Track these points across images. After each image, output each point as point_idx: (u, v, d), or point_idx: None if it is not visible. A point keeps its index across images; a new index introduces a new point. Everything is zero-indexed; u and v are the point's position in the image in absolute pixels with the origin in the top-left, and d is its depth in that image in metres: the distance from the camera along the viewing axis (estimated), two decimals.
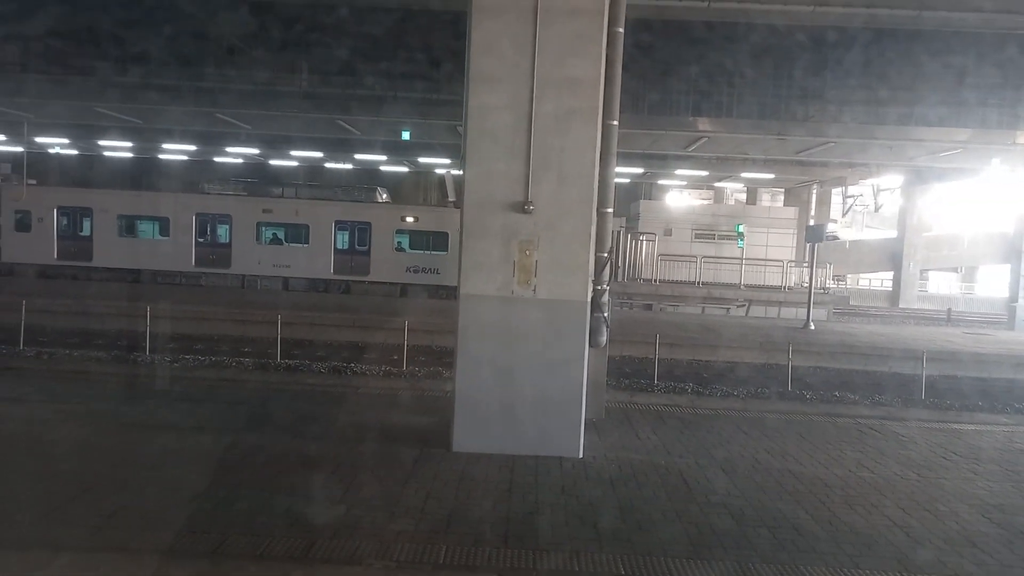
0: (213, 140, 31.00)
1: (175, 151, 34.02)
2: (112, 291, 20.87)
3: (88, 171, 37.08)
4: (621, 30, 7.72)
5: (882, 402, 11.85)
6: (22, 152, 28.26)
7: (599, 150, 7.42)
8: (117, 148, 34.61)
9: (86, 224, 26.10)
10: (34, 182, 27.47)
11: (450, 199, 27.96)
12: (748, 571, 4.98)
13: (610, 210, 8.03)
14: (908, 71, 21.45)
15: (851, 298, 32.94)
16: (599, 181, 7.55)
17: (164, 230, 26.32)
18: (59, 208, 26.04)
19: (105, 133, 30.32)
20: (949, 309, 31.29)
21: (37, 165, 31.78)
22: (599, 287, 7.99)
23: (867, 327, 24.08)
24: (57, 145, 33.28)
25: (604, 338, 8.18)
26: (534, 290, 7.24)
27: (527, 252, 7.20)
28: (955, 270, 47.37)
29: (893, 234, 40.24)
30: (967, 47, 18.69)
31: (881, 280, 44.43)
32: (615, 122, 7.80)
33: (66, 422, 7.82)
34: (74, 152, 35.62)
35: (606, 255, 8.05)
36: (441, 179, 38.61)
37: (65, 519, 5.26)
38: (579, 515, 5.83)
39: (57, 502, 5.53)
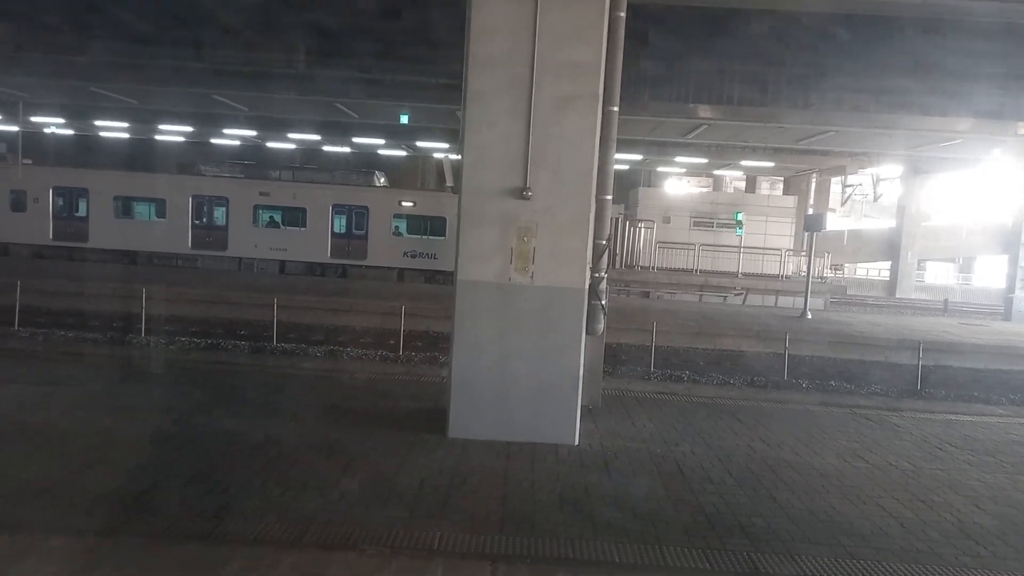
0: (210, 122, 30.76)
1: (172, 132, 33.80)
2: (107, 272, 20.80)
3: (84, 152, 36.84)
4: (623, 15, 7.63)
5: (878, 392, 11.87)
6: (17, 132, 28.05)
7: (599, 136, 7.35)
8: (113, 129, 34.37)
9: (82, 205, 26.00)
10: (29, 162, 27.29)
11: (448, 184, 27.86)
12: (743, 560, 4.98)
13: (609, 197, 7.97)
14: (910, 60, 21.29)
15: (848, 287, 32.97)
16: (598, 168, 7.49)
17: (160, 212, 26.23)
18: (55, 188, 25.93)
19: (101, 113, 30.09)
20: (946, 299, 31.35)
21: (33, 145, 31.56)
22: (597, 275, 7.95)
23: (864, 317, 24.11)
24: (53, 125, 33.04)
25: (601, 326, 8.16)
26: (531, 277, 7.20)
27: (525, 239, 7.16)
28: (953, 260, 47.39)
29: (892, 224, 40.25)
30: (970, 36, 18.55)
31: (879, 270, 44.47)
32: (615, 108, 7.72)
33: (56, 405, 7.78)
34: (70, 132, 35.37)
35: (604, 242, 8.00)
36: (439, 164, 38.48)
37: (58, 502, 5.24)
38: (574, 502, 5.82)
39: (49, 484, 5.51)
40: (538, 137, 7.02)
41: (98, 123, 32.40)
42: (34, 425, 7.06)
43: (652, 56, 20.23)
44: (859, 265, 44.53)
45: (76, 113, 30.51)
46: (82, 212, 25.99)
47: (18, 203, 25.83)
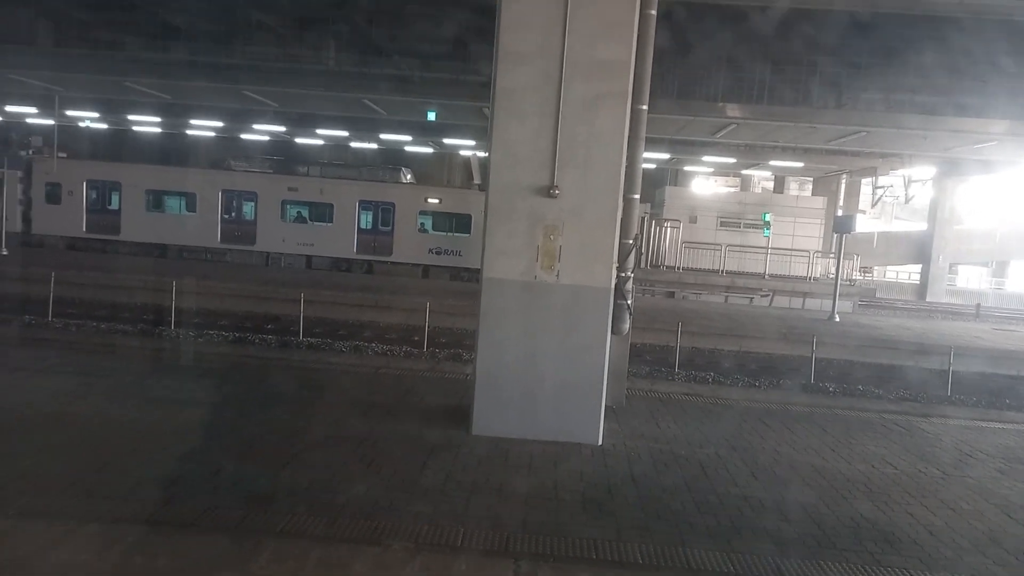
0: (240, 117, 31.16)
1: (203, 127, 34.26)
2: (138, 265, 21.13)
3: (117, 145, 37.46)
4: (654, 12, 7.57)
5: (907, 397, 11.68)
6: (53, 125, 28.59)
7: (627, 135, 7.31)
8: (146, 123, 34.91)
9: (114, 198, 26.44)
10: (64, 155, 27.82)
11: (475, 181, 27.87)
12: (767, 564, 4.93)
13: (636, 196, 7.93)
14: (944, 59, 20.92)
15: (877, 290, 32.49)
16: (626, 167, 7.46)
17: (191, 206, 26.59)
18: (88, 181, 26.40)
19: (134, 108, 30.59)
20: (978, 304, 30.76)
21: (67, 138, 32.14)
22: (623, 274, 7.91)
23: (893, 320, 23.75)
24: (87, 119, 33.63)
25: (627, 325, 8.12)
26: (557, 275, 7.18)
27: (551, 237, 7.15)
28: (986, 264, 46.45)
29: (923, 226, 39.56)
30: (1006, 36, 18.17)
31: (908, 273, 43.73)
32: (644, 107, 7.67)
33: (89, 394, 7.92)
34: (104, 126, 35.98)
35: (631, 242, 7.96)
36: (466, 161, 38.53)
37: (92, 491, 5.33)
38: (597, 502, 5.81)
39: (76, 475, 5.62)
40: (566, 135, 7.00)
41: (131, 117, 32.92)
42: (69, 415, 7.19)
43: (682, 53, 20.06)
44: (889, 268, 43.82)
45: (110, 107, 31.03)
46: (115, 205, 26.43)
47: (53, 195, 26.33)
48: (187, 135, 36.64)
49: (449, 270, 25.79)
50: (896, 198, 39.88)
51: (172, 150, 36.67)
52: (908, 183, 34.11)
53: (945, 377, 12.52)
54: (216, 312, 15.24)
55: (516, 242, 7.17)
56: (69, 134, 33.63)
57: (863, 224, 34.63)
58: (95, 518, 4.86)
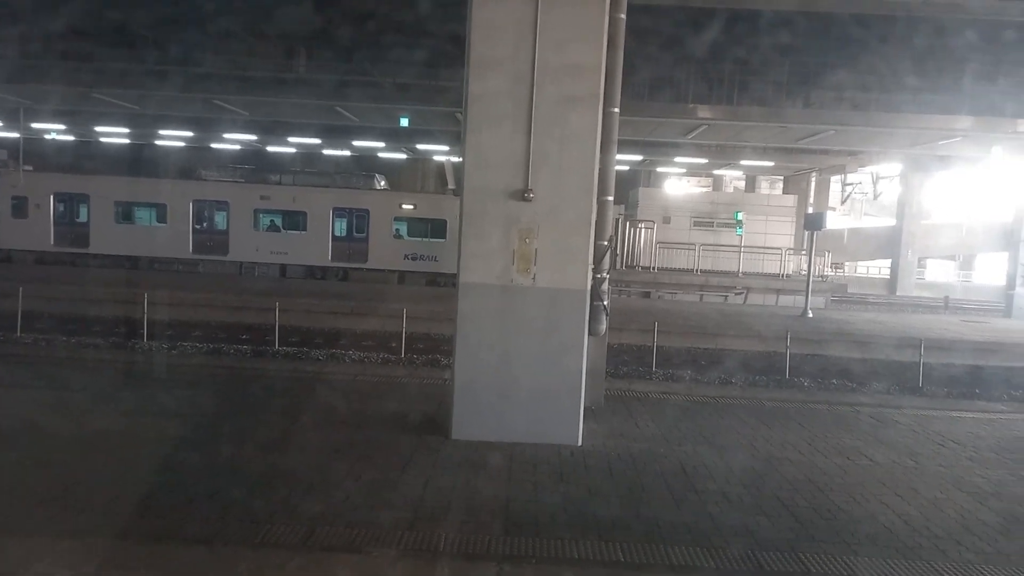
0: (210, 126, 30.84)
1: (172, 137, 33.86)
2: (109, 277, 20.82)
3: (85, 157, 36.89)
4: (623, 16, 7.67)
5: (880, 390, 11.88)
6: (18, 138, 28.10)
7: (600, 138, 7.37)
8: (114, 134, 34.43)
9: (83, 210, 26.01)
10: (30, 168, 27.33)
11: (449, 186, 27.83)
12: (747, 559, 4.99)
13: (610, 198, 8.00)
14: (909, 58, 21.33)
15: (849, 286, 32.94)
16: (599, 169, 7.51)
17: (161, 216, 26.24)
18: (56, 194, 25.95)
19: (102, 119, 30.16)
20: (947, 297, 31.30)
21: (34, 151, 31.62)
22: (599, 275, 7.97)
23: (865, 315, 24.10)
24: (54, 131, 33.09)
25: (603, 326, 8.18)
26: (534, 278, 7.21)
27: (527, 240, 7.17)
28: (953, 258, 47.34)
29: (892, 222, 40.24)
30: (969, 34, 18.57)
31: (879, 268, 44.43)
32: (616, 109, 7.75)
33: (61, 409, 7.79)
34: (71, 138, 35.44)
35: (606, 243, 8.03)
36: (440, 166, 38.48)
37: (65, 505, 5.25)
38: (578, 502, 5.84)
39: (57, 490, 5.53)
40: (539, 139, 7.04)
41: (99, 129, 32.45)
42: (39, 429, 7.07)
43: (651, 57, 20.23)
44: (860, 263, 44.49)
45: (77, 119, 30.57)
46: (83, 218, 26.00)
47: (19, 209, 25.85)
48: (157, 145, 36.21)
49: (425, 275, 25.72)
50: (865, 195, 40.49)
51: (142, 161, 36.20)
52: (876, 180, 34.69)
53: (916, 369, 12.74)
54: (190, 323, 15.07)
55: (491, 246, 7.18)
56: (35, 146, 33.09)
57: (833, 221, 35.17)
58: (70, 532, 4.79)
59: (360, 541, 4.92)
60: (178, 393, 8.95)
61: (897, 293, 35.61)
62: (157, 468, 6.09)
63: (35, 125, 30.78)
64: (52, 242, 25.91)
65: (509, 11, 6.95)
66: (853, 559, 5.05)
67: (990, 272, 43.91)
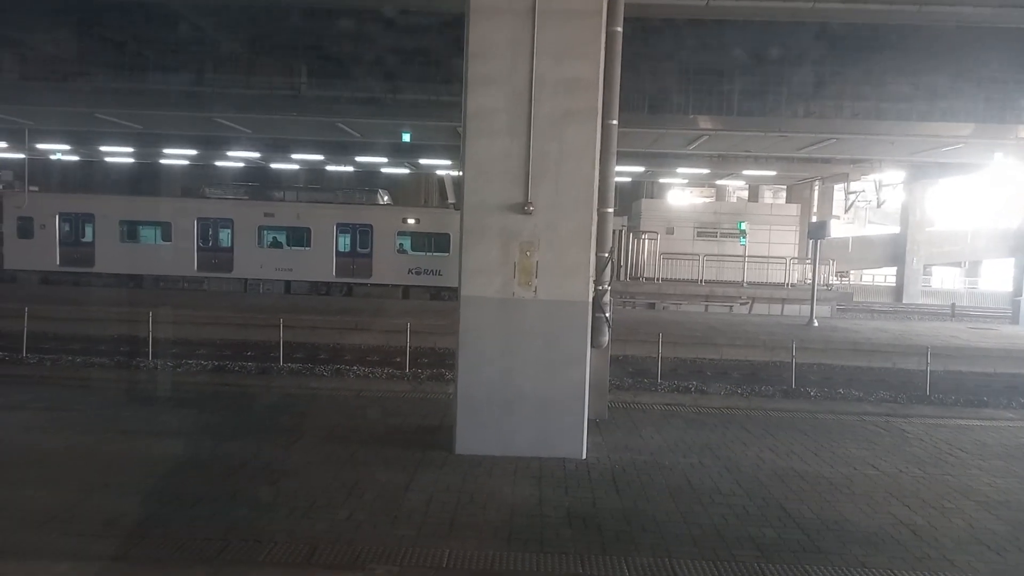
0: (213, 144, 31.05)
1: (176, 156, 34.06)
2: (114, 297, 20.89)
3: (90, 177, 37.16)
4: (620, 29, 7.69)
5: (887, 399, 11.82)
6: (23, 159, 28.31)
7: (599, 150, 7.38)
8: (118, 154, 34.67)
9: (88, 230, 26.15)
10: (36, 189, 27.50)
11: (449, 200, 27.90)
12: (753, 571, 4.95)
13: (611, 210, 8.01)
14: (910, 66, 21.38)
15: (854, 294, 32.87)
16: (599, 181, 7.52)
17: (166, 235, 26.36)
18: (61, 214, 26.11)
19: (106, 139, 30.39)
20: (953, 304, 31.24)
21: (39, 172, 31.84)
22: (600, 287, 7.96)
23: (871, 323, 24.02)
24: (58, 152, 33.34)
25: (606, 338, 8.16)
26: (535, 291, 7.21)
27: (527, 253, 7.18)
28: (959, 265, 47.21)
29: (896, 230, 40.18)
30: (969, 42, 18.60)
31: (884, 276, 44.32)
32: (615, 121, 7.76)
33: (64, 430, 7.80)
34: (75, 158, 35.69)
35: (607, 255, 8.03)
36: (440, 180, 38.62)
37: (65, 527, 5.24)
38: (583, 517, 5.80)
39: (57, 509, 5.52)
40: (538, 152, 7.05)
41: (103, 148, 32.68)
42: (41, 450, 7.07)
43: (652, 68, 20.32)
44: (865, 271, 44.40)
45: (81, 139, 30.81)
46: (88, 237, 26.14)
47: (25, 230, 26.01)
48: (160, 164, 36.43)
49: (429, 290, 25.76)
50: (868, 202, 40.53)
51: (146, 180, 36.43)
52: (879, 187, 34.71)
53: (923, 377, 12.67)
54: (194, 341, 15.10)
55: (492, 259, 7.19)
56: (41, 167, 33.33)
57: (837, 229, 35.13)
58: (70, 556, 4.78)
59: (363, 558, 4.90)
60: (179, 412, 8.95)
61: (903, 301, 35.53)
62: (156, 488, 6.08)
63: (40, 146, 31.02)
64: (58, 262, 26.05)
65: (505, 28, 6.98)
66: (860, 570, 5.00)
67: (997, 278, 43.77)
